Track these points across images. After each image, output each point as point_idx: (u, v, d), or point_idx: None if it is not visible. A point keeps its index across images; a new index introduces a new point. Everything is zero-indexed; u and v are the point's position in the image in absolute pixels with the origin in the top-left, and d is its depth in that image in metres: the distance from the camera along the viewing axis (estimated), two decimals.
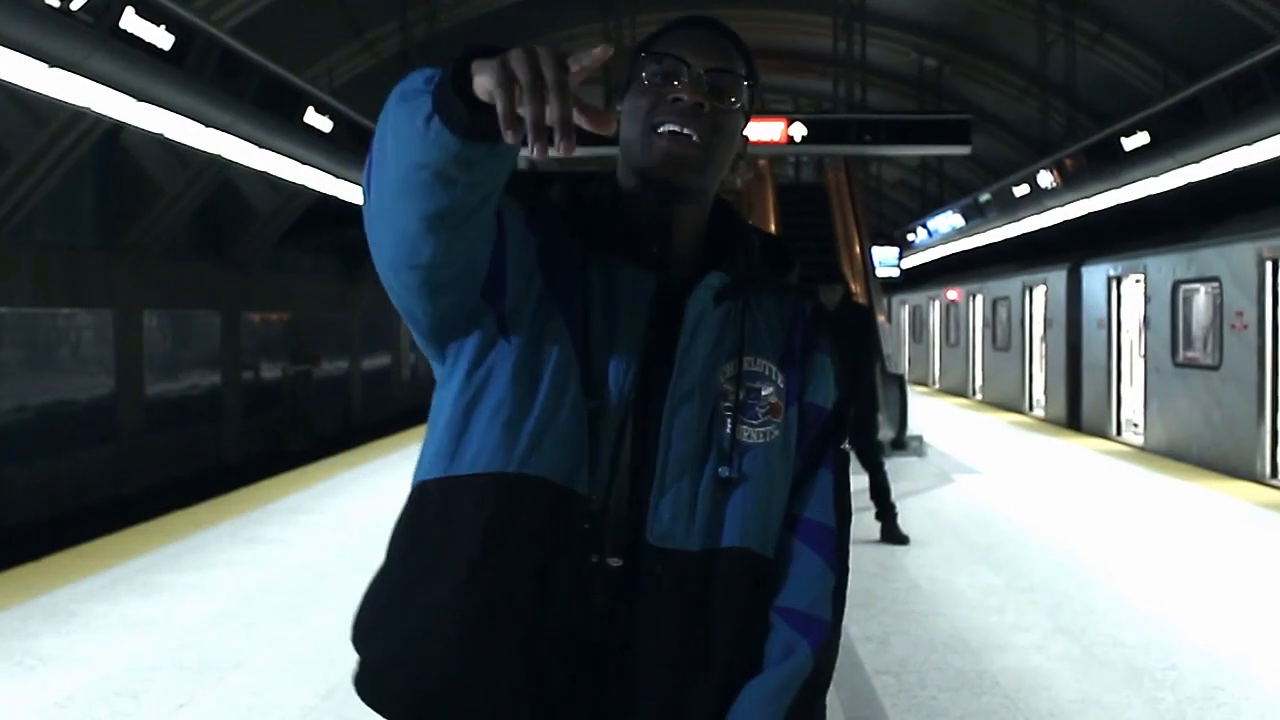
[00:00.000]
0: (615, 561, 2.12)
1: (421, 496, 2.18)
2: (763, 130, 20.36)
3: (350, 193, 20.20)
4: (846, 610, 7.02)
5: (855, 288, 23.71)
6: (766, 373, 2.25)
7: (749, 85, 2.25)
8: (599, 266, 2.18)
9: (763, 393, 2.24)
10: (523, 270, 2.13)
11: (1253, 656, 7.97)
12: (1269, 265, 15.92)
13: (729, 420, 2.20)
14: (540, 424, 2.09)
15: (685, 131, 2.14)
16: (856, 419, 12.05)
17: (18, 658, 7.83)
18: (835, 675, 6.46)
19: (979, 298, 32.72)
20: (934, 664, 7.74)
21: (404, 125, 1.86)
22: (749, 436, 2.21)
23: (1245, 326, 16.40)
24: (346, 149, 18.31)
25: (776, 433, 2.23)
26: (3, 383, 19.07)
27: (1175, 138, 17.87)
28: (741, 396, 2.22)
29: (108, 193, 21.98)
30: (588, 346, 2.14)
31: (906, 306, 44.09)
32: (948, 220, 34.39)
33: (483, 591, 2.07)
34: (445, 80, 1.81)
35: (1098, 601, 9.47)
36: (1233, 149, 16.39)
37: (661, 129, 2.14)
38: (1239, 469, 16.50)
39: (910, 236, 39.41)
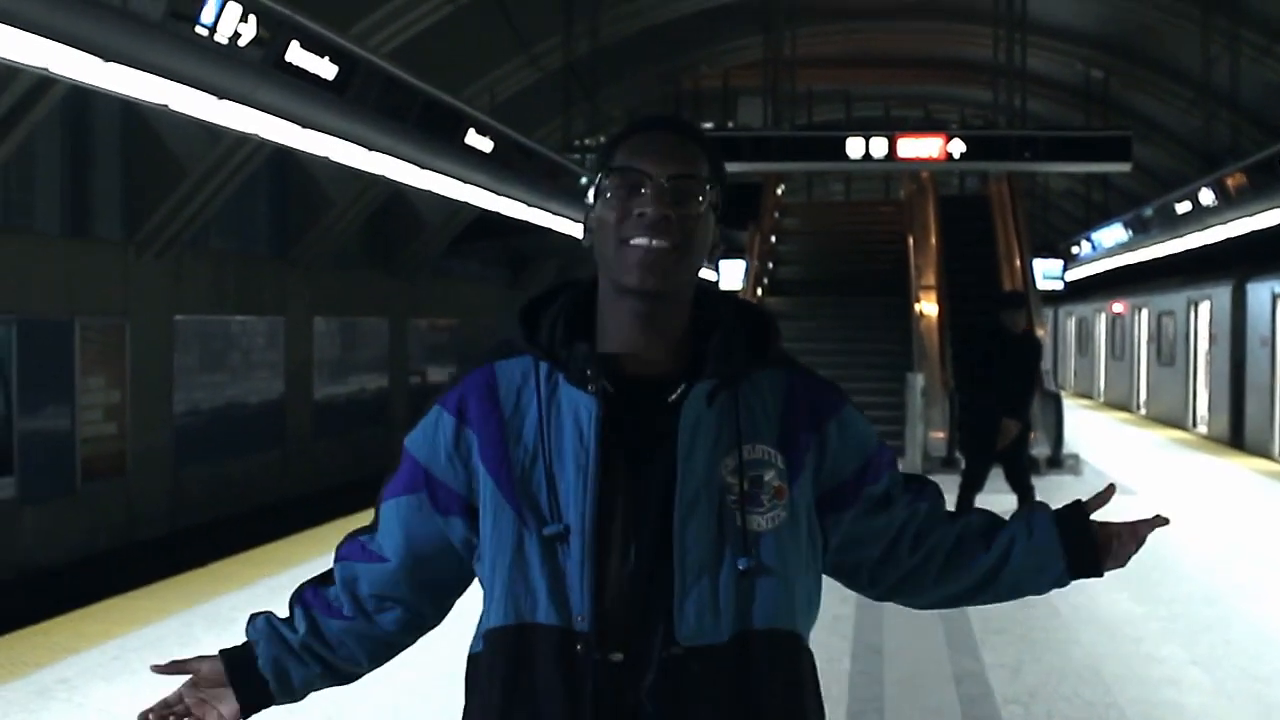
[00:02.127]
0: (617, 656, 2.22)
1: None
2: (921, 146, 20.44)
3: (512, 208, 20.57)
4: (980, 637, 7.26)
5: None
6: (766, 458, 2.31)
7: (712, 186, 2.33)
8: (555, 396, 2.31)
9: (765, 478, 2.30)
10: (470, 491, 2.38)
11: None
12: None
13: (738, 513, 2.27)
14: (508, 575, 2.30)
15: (654, 244, 2.24)
16: (1015, 440, 12.20)
17: None
18: (963, 704, 6.59)
19: (1144, 311, 32.32)
20: (1064, 694, 7.83)
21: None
22: (759, 525, 2.28)
23: None
24: (507, 168, 18.71)
25: (784, 514, 2.31)
26: (179, 388, 19.75)
27: None
28: (746, 487, 2.28)
29: (281, 203, 22.66)
30: (550, 479, 2.27)
31: (1073, 318, 43.60)
32: (1111, 234, 33.98)
33: None
34: None
35: (1236, 633, 9.45)
36: None
37: (632, 242, 2.26)
38: None
39: (1074, 249, 38.98)
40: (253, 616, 2.57)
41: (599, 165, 2.36)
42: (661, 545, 2.24)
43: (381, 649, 2.56)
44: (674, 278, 2.28)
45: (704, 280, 2.40)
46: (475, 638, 2.37)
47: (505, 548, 2.29)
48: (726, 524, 2.27)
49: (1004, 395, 12.17)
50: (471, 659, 2.38)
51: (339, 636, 2.53)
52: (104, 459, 17.87)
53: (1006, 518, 2.54)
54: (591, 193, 2.36)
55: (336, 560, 2.55)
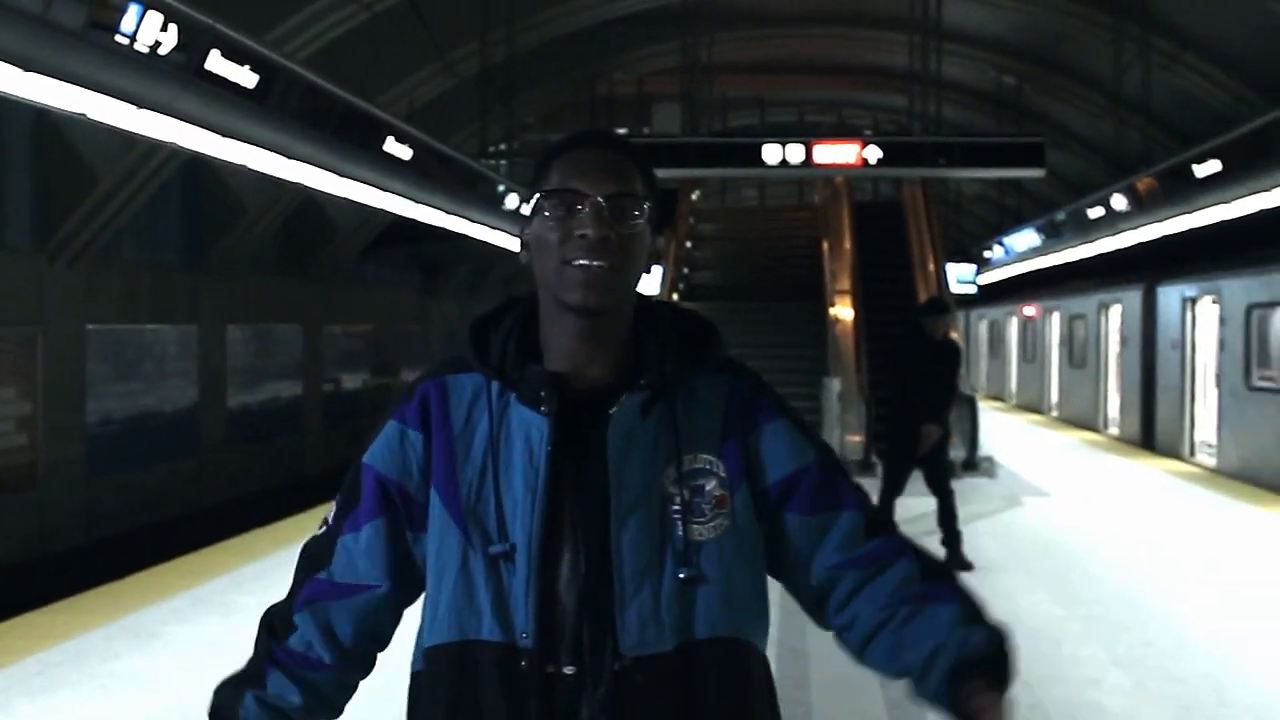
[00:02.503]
0: (569, 670, 2.24)
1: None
2: (838, 153, 20.55)
3: (429, 215, 20.50)
4: None
5: None
6: (707, 466, 2.34)
7: (648, 201, 2.35)
8: (505, 415, 2.34)
9: (706, 488, 2.32)
10: (416, 498, 2.39)
11: None
12: None
13: (679, 522, 2.29)
14: (452, 591, 2.30)
15: (595, 263, 2.26)
16: (934, 447, 12.29)
17: (101, 679, 8.13)
18: (890, 709, 6.68)
19: (1056, 315, 32.68)
20: None
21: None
22: (700, 535, 2.30)
23: None
24: (425, 175, 18.64)
25: (726, 523, 2.32)
26: (91, 397, 19.54)
27: (1247, 166, 17.87)
28: (687, 496, 2.30)
29: (194, 211, 22.47)
30: (498, 497, 2.30)
31: (984, 322, 44.01)
32: (1024, 239, 34.35)
33: None
34: None
35: (1155, 633, 9.58)
36: None
37: (573, 264, 2.28)
38: None
39: (987, 254, 39.36)
40: (230, 698, 2.50)
41: (534, 182, 2.38)
42: (605, 558, 2.25)
43: (350, 693, 2.55)
44: (615, 295, 2.31)
45: (643, 295, 2.44)
46: (416, 655, 2.36)
47: (450, 565, 2.29)
48: (669, 534, 2.28)
49: (925, 401, 12.27)
50: (414, 676, 2.37)
51: (325, 691, 2.49)
52: (15, 470, 17.65)
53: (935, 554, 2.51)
54: (528, 209, 2.38)
55: (297, 610, 2.45)
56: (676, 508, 2.30)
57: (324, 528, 2.46)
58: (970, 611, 2.36)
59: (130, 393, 20.82)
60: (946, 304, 13.51)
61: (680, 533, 2.29)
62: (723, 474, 2.34)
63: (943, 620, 2.34)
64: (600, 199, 2.28)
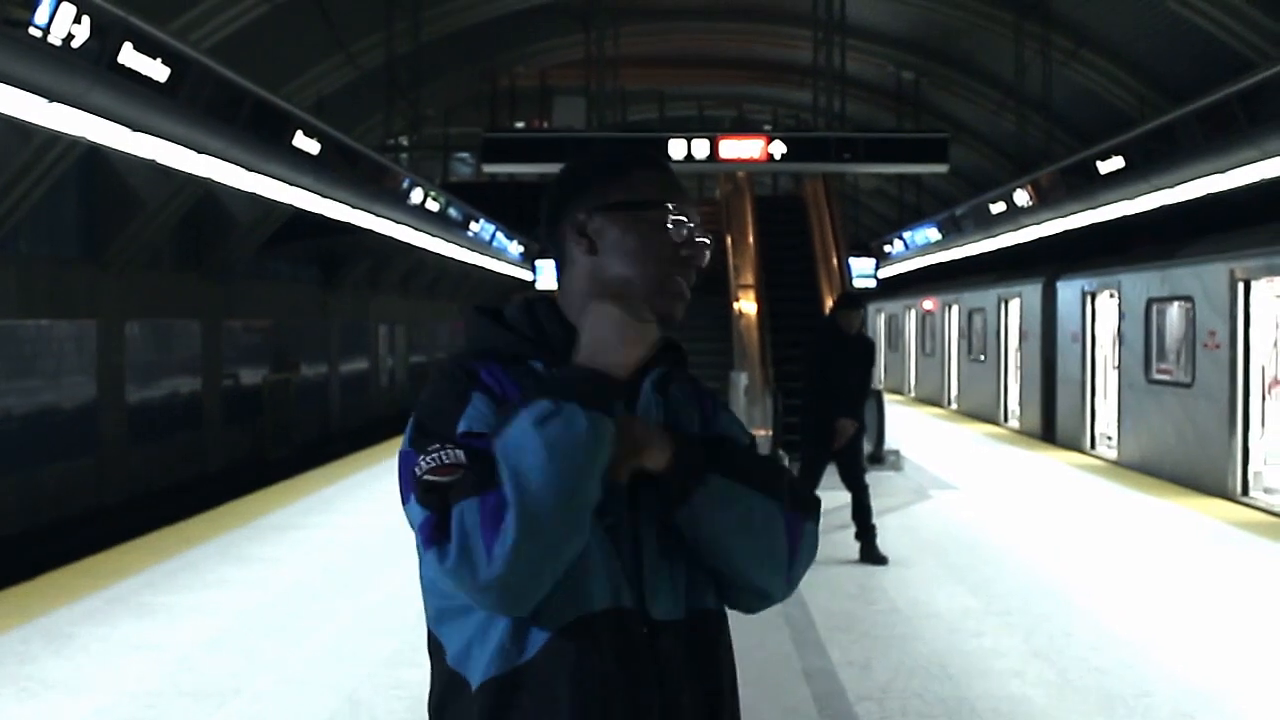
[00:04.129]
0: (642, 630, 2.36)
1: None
2: (742, 148, 20.62)
3: (334, 209, 20.34)
4: (825, 635, 7.30)
5: (832, 300, 23.94)
6: None
7: None
8: None
9: None
10: None
11: (1224, 682, 8.19)
12: (1241, 286, 16.19)
13: None
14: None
15: (688, 283, 2.49)
16: (849, 440, 12.34)
17: (20, 683, 7.98)
18: (817, 702, 6.68)
19: (955, 308, 32.95)
20: (914, 690, 7.96)
21: (563, 439, 2.18)
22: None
23: (1218, 345, 16.66)
24: (332, 168, 18.48)
25: None
26: None
27: (1150, 163, 18.15)
28: None
29: (92, 205, 22.13)
30: None
31: (883, 315, 44.33)
32: (924, 234, 34.67)
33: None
34: (579, 383, 2.25)
35: (1073, 624, 9.70)
36: (1206, 175, 16.65)
37: (676, 278, 2.46)
38: (1210, 486, 16.75)
39: (887, 248, 39.68)
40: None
41: (602, 179, 2.50)
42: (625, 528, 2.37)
43: None
44: (684, 312, 2.50)
45: None
46: (486, 660, 2.32)
47: None
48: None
49: (840, 395, 12.32)
50: (491, 682, 2.32)
51: None
52: None
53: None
54: (603, 205, 2.47)
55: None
56: None
57: (452, 475, 2.25)
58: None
59: (27, 389, 20.48)
60: (860, 298, 13.58)
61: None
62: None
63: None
64: (693, 225, 2.48)
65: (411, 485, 2.28)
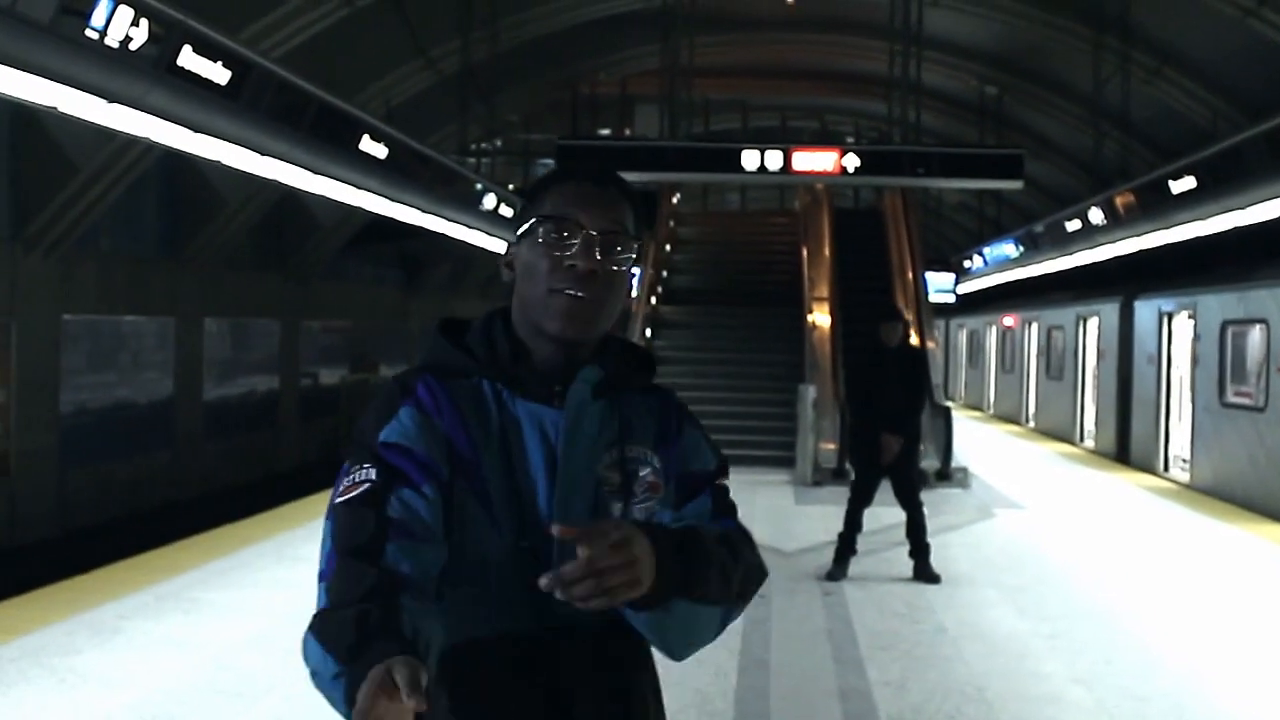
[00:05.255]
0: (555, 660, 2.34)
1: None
2: (816, 160, 20.57)
3: (406, 213, 20.50)
4: (866, 653, 7.26)
5: (907, 314, 23.84)
6: (643, 456, 2.47)
7: (637, 241, 2.45)
8: (515, 415, 2.40)
9: (641, 473, 2.45)
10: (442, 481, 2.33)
11: (1265, 716, 8.08)
12: None
13: (614, 501, 2.41)
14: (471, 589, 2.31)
15: (581, 295, 2.36)
16: (898, 456, 12.19)
17: (60, 674, 8.09)
18: None
19: (1034, 325, 32.71)
20: (947, 712, 7.89)
21: (323, 690, 2.12)
22: (634, 514, 2.41)
23: None
24: (402, 173, 18.62)
25: (657, 507, 2.46)
26: (66, 388, 19.49)
27: (1220, 183, 17.93)
28: (623, 479, 2.43)
29: (172, 203, 22.42)
30: (518, 494, 2.35)
31: (964, 331, 44.06)
32: (1003, 249, 34.42)
33: None
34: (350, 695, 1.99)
35: (1116, 650, 9.58)
36: (1276, 197, 16.44)
37: (559, 292, 2.36)
38: None
39: (967, 263, 39.43)
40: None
41: (527, 205, 2.46)
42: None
43: None
44: (593, 328, 2.41)
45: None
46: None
47: (471, 559, 2.32)
48: (601, 511, 2.40)
49: (884, 409, 12.18)
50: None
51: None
52: None
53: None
54: (518, 231, 2.46)
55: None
56: (609, 488, 2.42)
57: (357, 491, 2.27)
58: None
59: (105, 384, 20.77)
60: (898, 311, 13.39)
61: (615, 511, 2.41)
62: (657, 465, 2.49)
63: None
64: (594, 232, 2.37)
65: (330, 506, 2.31)
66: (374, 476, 2.27)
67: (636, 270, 2.65)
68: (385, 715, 1.87)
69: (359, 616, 2.08)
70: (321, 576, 2.23)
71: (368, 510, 2.24)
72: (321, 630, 2.12)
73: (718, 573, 2.32)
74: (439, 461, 2.32)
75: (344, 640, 2.07)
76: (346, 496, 2.27)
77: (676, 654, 2.40)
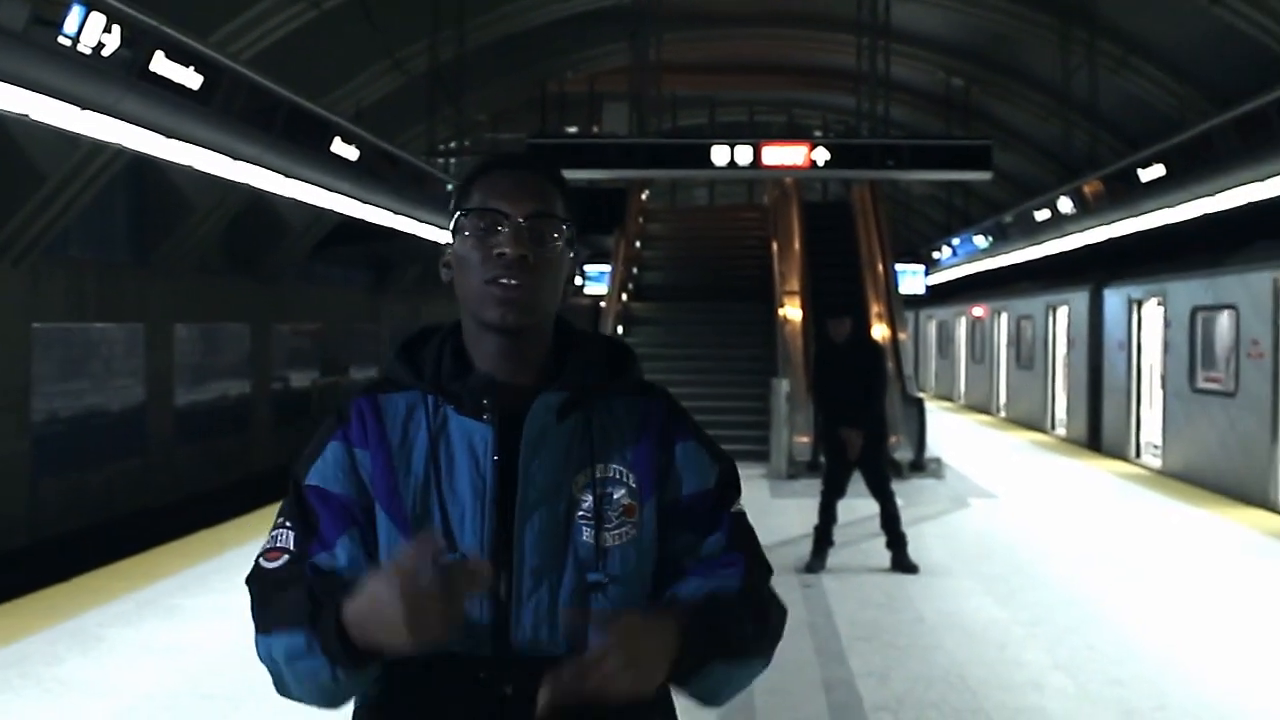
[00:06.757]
0: (509, 689, 2.26)
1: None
2: (786, 154, 20.60)
3: (376, 214, 20.48)
4: (848, 644, 7.30)
5: (877, 307, 23.91)
6: (618, 476, 2.38)
7: (567, 224, 2.42)
8: (448, 429, 2.37)
9: (614, 496, 2.36)
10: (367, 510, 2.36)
11: (1243, 696, 8.14)
12: None
13: (587, 527, 2.34)
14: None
15: (513, 282, 2.33)
16: (865, 449, 12.21)
17: (45, 684, 8.08)
18: (833, 713, 6.65)
19: (1004, 315, 32.82)
20: (931, 701, 7.94)
21: (311, 677, 2.21)
22: (607, 540, 2.34)
23: (1261, 355, 16.53)
24: (373, 175, 18.61)
25: (634, 531, 2.36)
26: (37, 396, 19.42)
27: (1189, 171, 18.02)
28: (596, 503, 2.35)
29: (141, 209, 22.35)
30: (443, 507, 2.33)
31: (934, 322, 44.17)
32: (972, 240, 34.53)
33: None
34: (330, 642, 2.14)
35: (1098, 636, 9.64)
36: (1245, 184, 16.53)
37: (493, 281, 2.34)
38: (1253, 496, 16.61)
39: (936, 255, 39.54)
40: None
41: (456, 203, 2.43)
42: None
43: None
44: (532, 314, 2.37)
45: (562, 317, 2.50)
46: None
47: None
48: (574, 537, 2.33)
49: (839, 404, 12.21)
50: (359, 709, 2.40)
51: None
52: None
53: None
54: (450, 230, 2.43)
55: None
56: (583, 513, 2.35)
57: (278, 560, 2.34)
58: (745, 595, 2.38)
59: (76, 391, 20.69)
60: (844, 305, 13.33)
61: (587, 538, 2.33)
62: (633, 485, 2.39)
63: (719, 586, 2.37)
64: (520, 219, 2.35)
65: (256, 558, 2.39)
66: (292, 546, 2.33)
67: (576, 253, 2.59)
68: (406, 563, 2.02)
69: (308, 589, 2.21)
70: (258, 627, 2.31)
71: (289, 582, 2.30)
72: (276, 620, 2.24)
73: (744, 618, 2.34)
74: (357, 497, 2.34)
75: (303, 610, 2.18)
76: (271, 565, 2.34)
77: (716, 704, 2.40)
